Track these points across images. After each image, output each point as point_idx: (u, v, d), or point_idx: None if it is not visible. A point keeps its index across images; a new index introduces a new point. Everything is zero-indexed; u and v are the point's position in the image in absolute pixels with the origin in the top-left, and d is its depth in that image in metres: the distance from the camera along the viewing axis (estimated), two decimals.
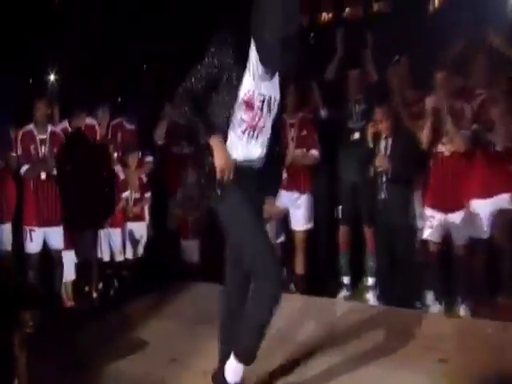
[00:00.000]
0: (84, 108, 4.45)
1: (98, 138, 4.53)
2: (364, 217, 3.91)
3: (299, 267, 4.04)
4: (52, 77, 7.39)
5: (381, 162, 3.66)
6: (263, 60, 2.17)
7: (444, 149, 3.55)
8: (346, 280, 4.01)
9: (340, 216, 4.06)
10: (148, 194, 4.48)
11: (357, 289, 4.01)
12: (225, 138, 2.18)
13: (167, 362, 2.78)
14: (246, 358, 2.20)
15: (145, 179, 4.49)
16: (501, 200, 3.49)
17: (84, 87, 5.41)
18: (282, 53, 2.13)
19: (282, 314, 2.80)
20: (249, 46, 2.18)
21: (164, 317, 3.44)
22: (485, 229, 3.52)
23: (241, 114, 2.20)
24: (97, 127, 4.55)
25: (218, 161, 2.13)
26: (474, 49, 3.76)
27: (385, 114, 3.66)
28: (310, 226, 4.03)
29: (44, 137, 4.06)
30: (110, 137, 4.62)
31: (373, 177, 3.75)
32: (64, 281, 4.10)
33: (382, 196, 3.68)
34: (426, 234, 3.64)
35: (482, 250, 3.55)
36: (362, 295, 3.92)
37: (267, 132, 2.29)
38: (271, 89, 2.25)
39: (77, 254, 4.20)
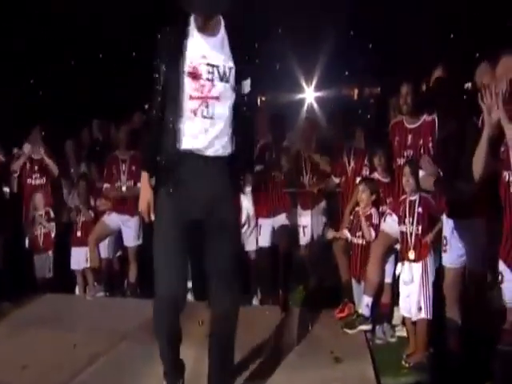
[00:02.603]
0: None
1: None
2: None
3: (132, 276, 4.77)
4: None
5: None
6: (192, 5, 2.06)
7: None
8: None
9: None
10: None
11: None
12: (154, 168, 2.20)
13: None
14: None
15: None
16: (280, 218, 4.66)
17: None
18: None
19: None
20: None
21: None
22: (268, 239, 4.63)
23: (188, 89, 2.07)
24: None
25: (140, 203, 2.25)
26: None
27: None
28: (139, 242, 4.78)
29: None
30: None
31: None
32: None
33: None
34: None
35: (267, 255, 4.67)
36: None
37: (225, 106, 2.15)
38: (221, 58, 2.13)
39: None
